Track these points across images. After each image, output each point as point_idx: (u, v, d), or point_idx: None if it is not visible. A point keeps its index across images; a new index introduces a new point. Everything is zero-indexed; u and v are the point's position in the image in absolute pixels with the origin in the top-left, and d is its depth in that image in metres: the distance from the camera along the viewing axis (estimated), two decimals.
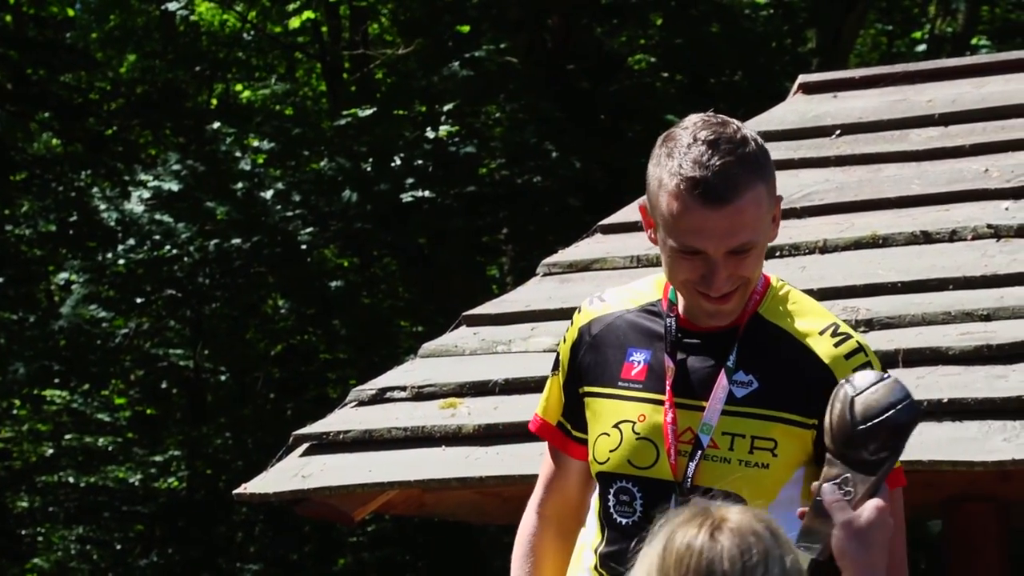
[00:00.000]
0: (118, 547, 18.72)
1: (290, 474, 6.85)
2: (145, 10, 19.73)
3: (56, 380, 18.68)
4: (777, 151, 8.28)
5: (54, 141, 20.09)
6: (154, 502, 18.60)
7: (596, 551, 4.19)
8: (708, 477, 4.06)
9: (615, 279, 7.30)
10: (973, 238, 7.25)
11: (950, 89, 8.52)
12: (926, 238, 7.31)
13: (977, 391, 6.22)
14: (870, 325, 6.75)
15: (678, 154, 3.98)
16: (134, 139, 19.88)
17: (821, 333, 4.13)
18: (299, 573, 17.22)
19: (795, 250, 7.45)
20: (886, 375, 3.79)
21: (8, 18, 19.78)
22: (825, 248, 7.42)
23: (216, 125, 18.99)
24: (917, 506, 8.85)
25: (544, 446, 4.41)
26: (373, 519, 16.31)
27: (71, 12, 20.33)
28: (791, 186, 7.98)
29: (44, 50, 19.47)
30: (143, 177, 18.25)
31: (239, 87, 21.39)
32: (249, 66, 21.37)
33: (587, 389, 4.23)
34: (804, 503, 3.87)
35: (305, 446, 7.01)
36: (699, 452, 4.06)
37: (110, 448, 18.59)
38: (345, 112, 18.27)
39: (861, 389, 3.70)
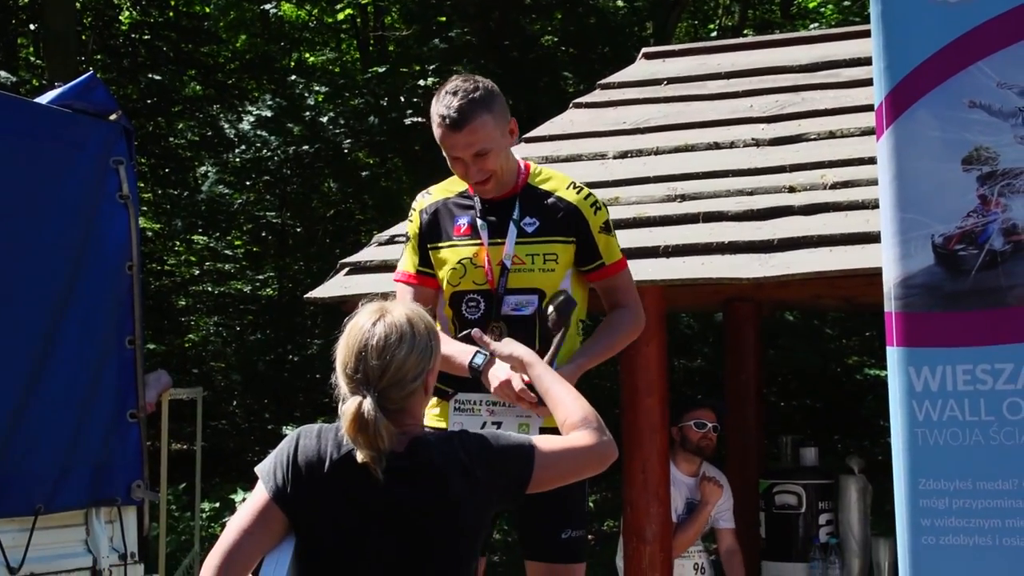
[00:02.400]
0: (237, 329, 18.73)
1: (338, 286, 6.87)
2: (252, 8, 19.51)
3: (199, 230, 18.61)
4: (629, 93, 8.30)
5: (197, 87, 19.87)
6: (258, 303, 18.61)
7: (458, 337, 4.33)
8: (517, 282, 4.28)
9: None
10: (744, 146, 7.27)
11: (731, 58, 8.51)
12: (717, 146, 7.33)
13: (744, 237, 6.26)
14: (683, 198, 6.77)
15: (437, 101, 4.25)
16: (244, 86, 19.68)
17: (567, 188, 4.44)
18: None
19: (639, 153, 7.45)
20: (562, 291, 4.24)
21: (171, 14, 19.53)
22: (658, 152, 7.42)
23: (293, 77, 18.84)
24: (711, 304, 8.94)
25: None
26: None
27: (208, 9, 20.07)
28: (638, 114, 7.98)
29: (191, 32, 19.30)
30: (250, 108, 18.11)
31: (307, 55, 21.15)
32: (312, 42, 21.15)
33: (432, 245, 4.43)
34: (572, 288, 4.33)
35: (346, 269, 7.02)
36: (505, 270, 4.28)
37: (232, 270, 18.56)
38: (370, 69, 18.19)
39: (551, 298, 4.20)
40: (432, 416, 4.34)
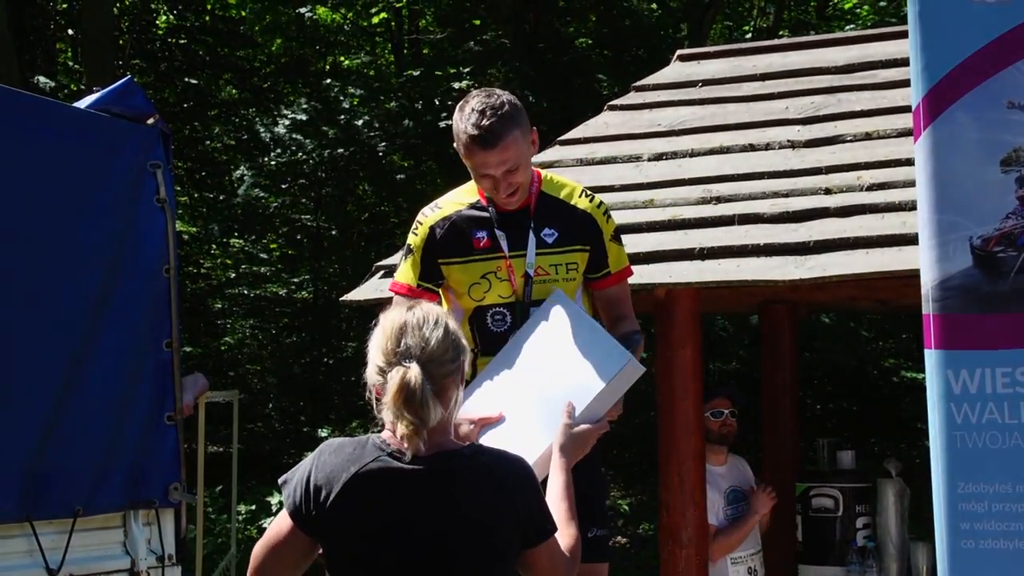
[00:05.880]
0: (272, 332, 18.78)
1: (373, 288, 6.87)
2: (287, 12, 19.54)
3: (235, 233, 18.68)
4: (664, 95, 8.27)
5: (233, 91, 19.95)
6: (293, 305, 18.65)
7: (473, 350, 4.25)
8: (541, 292, 4.26)
9: (566, 172, 7.30)
10: (779, 148, 7.25)
11: (766, 60, 8.47)
12: (752, 148, 7.31)
13: (779, 239, 6.24)
14: (719, 200, 6.75)
15: (464, 118, 4.17)
16: (280, 89, 19.75)
17: (580, 196, 4.42)
18: None
19: (674, 155, 7.44)
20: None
21: (207, 18, 19.61)
22: (693, 154, 7.40)
23: (328, 81, 18.88)
24: (746, 306, 8.89)
25: None
26: None
27: (243, 13, 20.13)
28: (673, 116, 7.95)
29: (227, 36, 19.39)
30: (285, 112, 18.17)
31: (342, 58, 21.19)
32: (347, 45, 21.19)
33: (445, 261, 4.35)
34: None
35: (381, 272, 7.03)
36: (530, 280, 4.27)
37: (267, 273, 18.61)
38: (405, 72, 18.22)
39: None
40: None
